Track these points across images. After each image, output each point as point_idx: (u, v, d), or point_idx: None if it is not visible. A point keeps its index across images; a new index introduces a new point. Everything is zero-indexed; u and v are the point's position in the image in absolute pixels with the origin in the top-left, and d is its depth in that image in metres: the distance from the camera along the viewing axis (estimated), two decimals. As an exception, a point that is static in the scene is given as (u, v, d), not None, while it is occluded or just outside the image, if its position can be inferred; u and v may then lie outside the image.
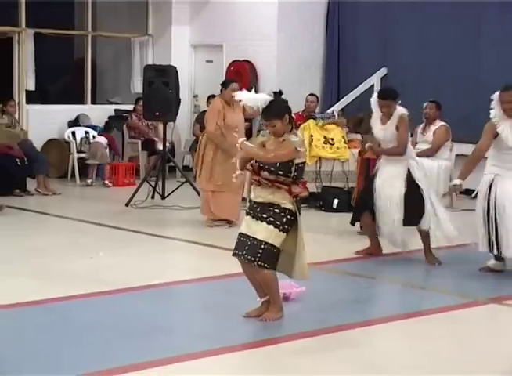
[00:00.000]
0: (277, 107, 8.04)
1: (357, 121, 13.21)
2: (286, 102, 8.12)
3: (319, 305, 8.78)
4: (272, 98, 8.01)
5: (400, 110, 10.72)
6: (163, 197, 14.68)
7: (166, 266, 10.63)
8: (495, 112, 10.04)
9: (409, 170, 10.59)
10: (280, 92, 8.02)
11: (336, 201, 14.19)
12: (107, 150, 17.23)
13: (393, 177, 10.58)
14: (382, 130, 10.71)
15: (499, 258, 10.35)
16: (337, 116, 15.65)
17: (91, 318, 8.22)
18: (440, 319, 8.60)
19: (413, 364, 7.27)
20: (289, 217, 7.91)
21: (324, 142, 15.09)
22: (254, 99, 8.13)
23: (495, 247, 10.08)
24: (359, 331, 8.07)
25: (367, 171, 12.38)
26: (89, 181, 16.85)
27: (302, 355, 7.36)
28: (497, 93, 10.06)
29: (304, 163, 8.09)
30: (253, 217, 7.97)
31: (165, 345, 7.39)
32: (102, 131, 17.63)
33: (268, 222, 7.85)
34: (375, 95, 10.99)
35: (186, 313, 8.99)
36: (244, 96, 8.26)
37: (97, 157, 17.00)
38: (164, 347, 7.31)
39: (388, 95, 10.80)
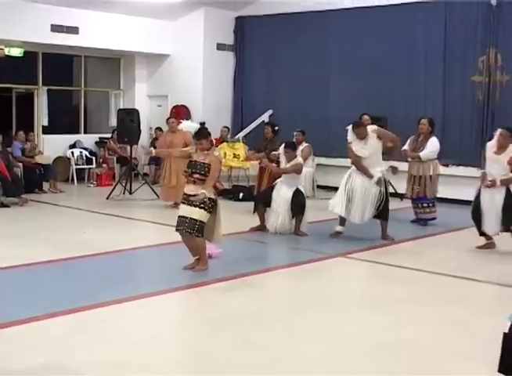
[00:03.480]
0: (204, 132, 8.23)
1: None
2: (208, 129, 8.28)
3: (231, 260, 8.78)
4: (199, 126, 8.17)
5: (298, 162, 10.77)
6: (130, 193, 14.52)
7: (133, 237, 10.51)
8: (350, 136, 10.19)
9: (297, 189, 10.66)
10: (204, 123, 8.20)
11: (241, 194, 14.18)
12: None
13: (286, 193, 10.60)
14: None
15: (342, 223, 10.44)
16: (241, 140, 15.70)
17: (85, 271, 8.20)
18: (309, 267, 8.67)
19: (295, 297, 7.37)
20: (212, 203, 8.01)
21: (233, 157, 15.13)
22: (191, 126, 8.30)
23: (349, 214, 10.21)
24: (258, 277, 8.11)
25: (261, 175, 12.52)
26: (92, 184, 16.71)
27: (221, 292, 7.41)
28: (350, 126, 10.21)
29: (220, 169, 8.21)
30: (188, 204, 7.97)
31: (133, 287, 7.38)
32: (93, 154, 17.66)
33: (200, 207, 7.90)
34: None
35: (146, 267, 9.02)
36: (185, 124, 8.46)
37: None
38: (133, 289, 7.29)
39: (289, 145, 10.93)
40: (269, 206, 10.76)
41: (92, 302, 6.69)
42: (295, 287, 7.78)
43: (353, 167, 10.29)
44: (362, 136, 10.11)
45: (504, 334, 4.19)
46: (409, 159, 11.71)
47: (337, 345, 5.79)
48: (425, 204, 11.70)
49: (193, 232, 7.93)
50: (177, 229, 8.09)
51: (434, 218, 11.78)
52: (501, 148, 9.46)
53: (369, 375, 5.17)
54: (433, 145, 11.55)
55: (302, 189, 10.77)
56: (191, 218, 7.92)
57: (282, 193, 10.64)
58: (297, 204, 10.55)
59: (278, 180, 10.98)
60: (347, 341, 5.87)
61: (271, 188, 10.95)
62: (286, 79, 17.21)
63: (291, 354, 5.54)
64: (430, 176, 11.59)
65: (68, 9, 15.94)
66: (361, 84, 15.61)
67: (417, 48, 15.07)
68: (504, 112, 13.89)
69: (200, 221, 7.92)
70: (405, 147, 11.70)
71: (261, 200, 10.96)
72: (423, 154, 11.50)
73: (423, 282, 8.07)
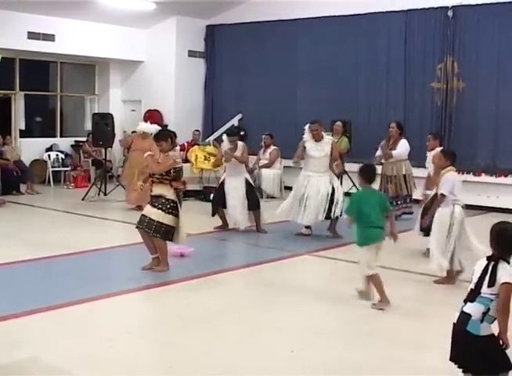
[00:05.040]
0: (164, 134, 8.20)
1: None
2: (172, 131, 8.17)
3: (201, 258, 8.85)
4: (159, 128, 8.11)
5: (243, 144, 10.79)
6: (105, 194, 14.50)
7: (108, 237, 10.53)
8: (306, 135, 10.35)
9: (246, 179, 10.72)
10: (166, 125, 8.15)
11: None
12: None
13: (237, 185, 10.62)
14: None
15: (307, 226, 10.56)
16: (211, 143, 15.75)
17: (62, 270, 8.21)
18: (276, 265, 8.74)
19: (262, 293, 7.44)
20: (172, 204, 7.96)
21: (204, 159, 15.16)
22: (149, 128, 8.27)
23: (304, 218, 10.33)
24: (226, 274, 8.15)
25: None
26: (70, 186, 16.64)
27: (191, 289, 7.45)
28: (308, 125, 10.39)
29: (180, 168, 8.12)
30: (151, 205, 8.00)
31: (108, 285, 7.42)
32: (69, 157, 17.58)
33: (158, 208, 7.91)
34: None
35: (120, 266, 9.04)
36: (143, 125, 8.40)
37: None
38: (107, 287, 7.34)
39: (234, 133, 10.96)
40: (225, 206, 10.76)
41: (69, 300, 6.72)
42: (262, 284, 7.81)
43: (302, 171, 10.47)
44: (316, 134, 10.25)
45: (453, 324, 4.33)
46: (383, 161, 12.06)
47: (302, 337, 5.89)
48: (399, 201, 12.10)
49: (150, 231, 7.93)
50: (137, 227, 8.10)
51: (410, 213, 11.98)
52: (431, 151, 9.85)
53: (334, 365, 5.29)
54: (402, 146, 12.04)
55: (250, 179, 10.83)
56: (149, 218, 7.93)
57: (234, 186, 10.62)
58: (252, 198, 10.60)
59: (222, 177, 10.99)
60: (313, 335, 5.97)
61: (221, 185, 10.89)
62: (254, 85, 17.29)
63: (260, 346, 5.64)
64: (404, 175, 12.06)
65: (45, 17, 15.93)
66: (326, 90, 15.74)
67: (379, 57, 15.29)
68: (461, 116, 14.24)
69: (158, 221, 7.90)
70: (379, 153, 12.10)
71: (217, 202, 10.93)
72: (395, 152, 11.97)
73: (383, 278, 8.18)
